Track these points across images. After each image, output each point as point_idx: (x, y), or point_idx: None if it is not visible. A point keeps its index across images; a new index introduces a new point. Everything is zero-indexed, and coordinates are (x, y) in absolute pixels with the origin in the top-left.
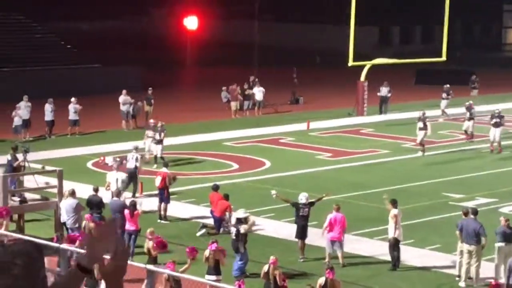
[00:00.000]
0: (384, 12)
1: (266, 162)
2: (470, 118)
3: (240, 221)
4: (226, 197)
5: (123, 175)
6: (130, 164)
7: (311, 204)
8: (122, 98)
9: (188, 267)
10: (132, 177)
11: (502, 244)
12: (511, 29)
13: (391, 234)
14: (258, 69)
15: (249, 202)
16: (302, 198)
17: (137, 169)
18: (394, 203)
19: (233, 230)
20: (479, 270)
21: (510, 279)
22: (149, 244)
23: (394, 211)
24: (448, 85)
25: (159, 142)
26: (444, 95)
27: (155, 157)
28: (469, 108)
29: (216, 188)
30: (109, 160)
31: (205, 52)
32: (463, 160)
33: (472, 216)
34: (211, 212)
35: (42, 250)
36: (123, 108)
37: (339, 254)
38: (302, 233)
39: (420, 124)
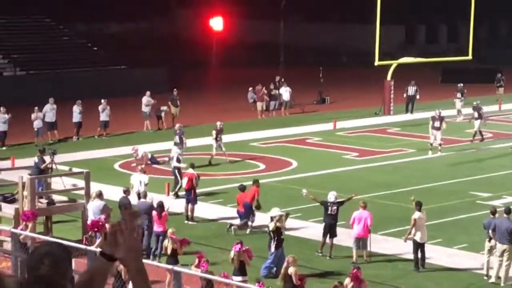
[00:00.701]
0: (410, 11)
1: (293, 162)
2: (478, 118)
3: (272, 219)
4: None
5: (146, 178)
6: (174, 162)
7: (340, 203)
8: (145, 99)
9: None
10: (175, 175)
11: None
12: None
13: (414, 236)
14: (284, 69)
15: (275, 202)
16: (331, 196)
17: (178, 168)
18: (418, 206)
19: (266, 228)
20: (510, 270)
21: None
22: (169, 243)
23: (414, 215)
24: (461, 84)
25: (176, 144)
26: (458, 94)
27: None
28: (477, 108)
29: (243, 188)
30: (141, 151)
31: (231, 53)
32: (489, 159)
33: (505, 215)
34: (238, 212)
35: (69, 252)
36: (145, 109)
37: (364, 252)
38: (330, 232)
39: (437, 124)
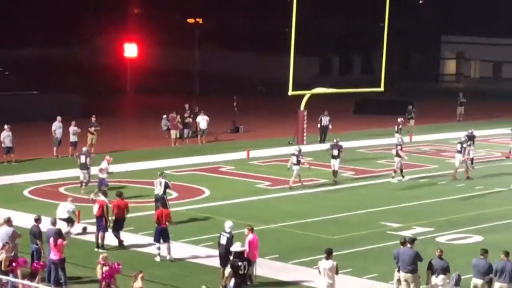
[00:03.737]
0: (324, 42)
1: (206, 190)
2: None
3: (239, 255)
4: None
5: (71, 207)
6: (158, 190)
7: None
8: (56, 124)
9: None
10: (160, 202)
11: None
12: (448, 60)
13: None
14: (199, 97)
15: (188, 231)
16: (226, 226)
17: (165, 195)
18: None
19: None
20: None
21: None
22: (102, 269)
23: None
24: (401, 119)
25: (84, 166)
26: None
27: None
28: (471, 137)
29: (119, 194)
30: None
31: (146, 80)
32: (400, 190)
33: (408, 245)
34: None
35: None
36: (56, 135)
37: (253, 273)
38: (223, 261)
39: (335, 152)
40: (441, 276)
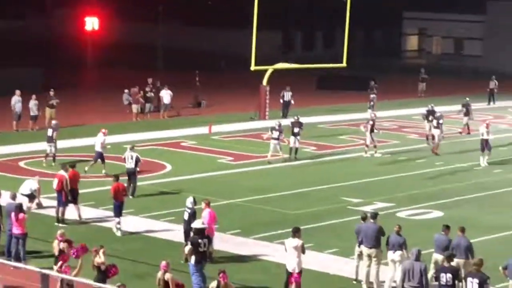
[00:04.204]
0: (287, 18)
1: (167, 165)
2: (466, 114)
3: (199, 231)
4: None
5: (36, 185)
6: (129, 164)
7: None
8: (15, 98)
9: (79, 269)
10: (131, 176)
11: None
12: (410, 36)
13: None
14: (162, 72)
15: (149, 205)
16: (187, 201)
17: (135, 169)
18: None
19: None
20: (379, 274)
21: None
22: (59, 245)
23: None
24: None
25: (50, 140)
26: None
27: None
28: (466, 105)
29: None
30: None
31: (107, 54)
32: (361, 165)
33: (371, 220)
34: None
35: None
36: (16, 109)
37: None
38: (186, 237)
39: (296, 129)
40: (398, 252)
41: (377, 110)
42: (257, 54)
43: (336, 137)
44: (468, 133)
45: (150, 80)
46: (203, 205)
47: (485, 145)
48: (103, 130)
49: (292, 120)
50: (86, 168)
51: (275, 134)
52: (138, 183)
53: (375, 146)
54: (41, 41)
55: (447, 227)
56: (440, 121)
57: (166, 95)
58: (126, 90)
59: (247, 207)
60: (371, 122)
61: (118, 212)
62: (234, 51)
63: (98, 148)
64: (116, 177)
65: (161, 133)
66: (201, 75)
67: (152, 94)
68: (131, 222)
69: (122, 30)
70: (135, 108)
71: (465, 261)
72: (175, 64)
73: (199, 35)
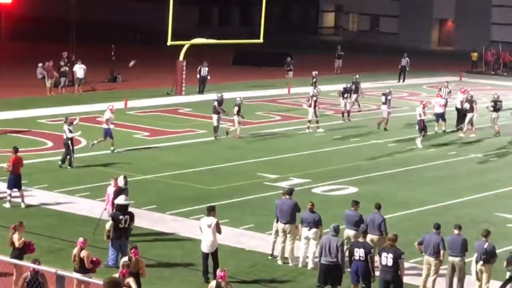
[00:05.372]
0: None
1: (82, 140)
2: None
3: (121, 207)
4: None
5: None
6: (66, 135)
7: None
8: None
9: None
10: (67, 147)
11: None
12: (327, 13)
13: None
14: (76, 46)
15: (63, 180)
16: (121, 180)
17: (70, 139)
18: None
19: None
20: (294, 250)
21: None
22: (14, 236)
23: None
24: (316, 72)
25: None
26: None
27: None
28: (355, 83)
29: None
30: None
31: (20, 27)
32: (277, 141)
33: (287, 196)
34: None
35: None
36: None
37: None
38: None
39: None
40: (313, 230)
41: (294, 87)
42: (174, 28)
43: (252, 112)
44: (359, 111)
45: (64, 54)
46: (112, 182)
47: (422, 125)
48: (110, 107)
49: (216, 98)
50: (95, 142)
51: (235, 110)
52: (52, 158)
53: (317, 122)
54: None
55: (356, 203)
56: (389, 97)
57: (79, 70)
58: (40, 64)
59: (163, 182)
60: (314, 98)
61: (12, 185)
62: (150, 25)
63: (105, 125)
64: (16, 150)
65: (75, 107)
66: (116, 49)
67: (67, 68)
68: (48, 197)
69: (35, 2)
70: (49, 82)
71: (379, 237)
72: (90, 37)
73: (115, 8)
